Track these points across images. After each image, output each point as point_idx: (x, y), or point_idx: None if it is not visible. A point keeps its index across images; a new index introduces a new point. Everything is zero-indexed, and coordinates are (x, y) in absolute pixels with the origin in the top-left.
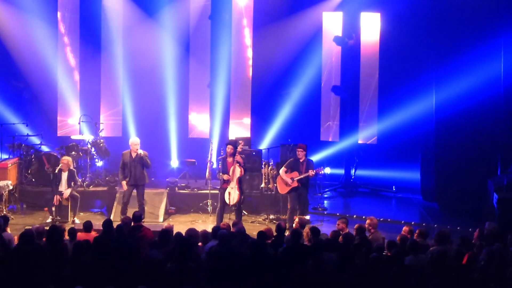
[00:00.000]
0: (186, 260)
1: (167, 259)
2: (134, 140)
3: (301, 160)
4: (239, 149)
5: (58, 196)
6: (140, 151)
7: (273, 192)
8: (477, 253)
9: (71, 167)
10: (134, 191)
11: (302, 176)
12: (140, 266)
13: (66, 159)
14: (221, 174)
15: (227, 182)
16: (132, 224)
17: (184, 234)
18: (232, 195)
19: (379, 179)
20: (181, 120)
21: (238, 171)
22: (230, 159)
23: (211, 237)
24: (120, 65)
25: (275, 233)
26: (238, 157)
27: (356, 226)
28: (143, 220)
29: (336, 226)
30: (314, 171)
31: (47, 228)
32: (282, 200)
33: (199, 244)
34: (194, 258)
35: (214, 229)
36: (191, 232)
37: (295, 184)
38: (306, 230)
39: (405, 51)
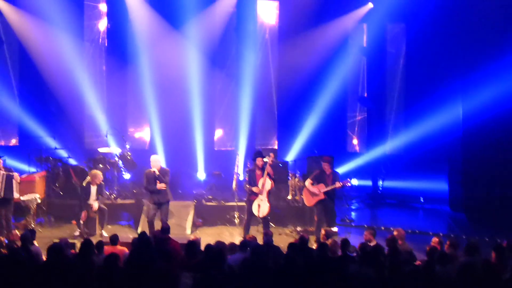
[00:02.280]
0: (215, 271)
1: (195, 270)
2: (151, 158)
3: (327, 172)
4: (270, 161)
5: (86, 212)
6: (155, 169)
7: (300, 204)
8: (506, 264)
9: (101, 181)
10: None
11: (328, 188)
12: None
13: (96, 173)
14: (248, 186)
15: (255, 194)
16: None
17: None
18: (262, 207)
19: (407, 190)
20: (208, 132)
21: (268, 184)
22: (259, 172)
23: (238, 250)
24: (147, 78)
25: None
26: (269, 169)
27: (388, 237)
28: None
29: (363, 237)
30: (341, 183)
31: (74, 241)
32: (309, 212)
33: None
34: (221, 269)
35: (242, 242)
36: (219, 244)
37: (322, 196)
38: (330, 241)
39: (431, 60)
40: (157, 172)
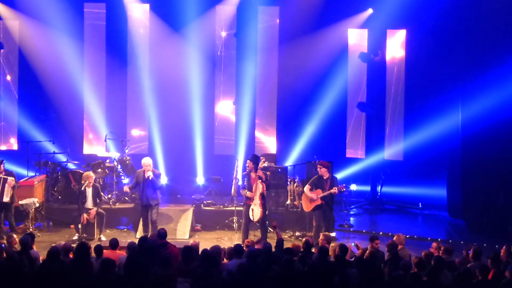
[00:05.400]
0: (210, 277)
1: (192, 276)
2: (143, 160)
3: (325, 178)
4: (260, 165)
5: (85, 215)
6: (150, 173)
7: (298, 209)
8: (503, 270)
9: (94, 182)
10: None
11: (325, 194)
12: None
13: (88, 173)
14: (244, 191)
15: (250, 199)
16: (158, 241)
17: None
18: (254, 211)
19: (405, 196)
20: (207, 137)
21: (260, 187)
22: (253, 175)
23: (234, 255)
24: (146, 81)
25: (301, 249)
26: (260, 173)
27: (388, 242)
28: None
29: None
30: (337, 188)
31: (73, 245)
32: (308, 217)
33: (226, 261)
34: (218, 275)
35: (236, 247)
36: (215, 249)
37: (319, 202)
38: (333, 246)
39: (431, 67)
40: (151, 176)
